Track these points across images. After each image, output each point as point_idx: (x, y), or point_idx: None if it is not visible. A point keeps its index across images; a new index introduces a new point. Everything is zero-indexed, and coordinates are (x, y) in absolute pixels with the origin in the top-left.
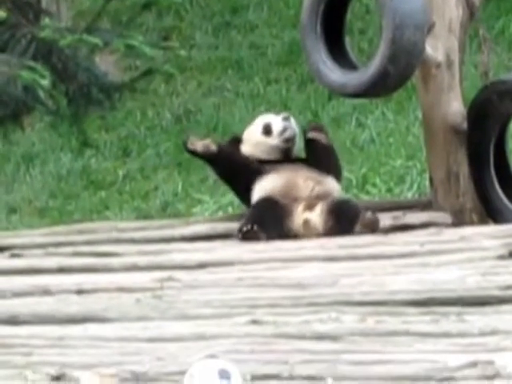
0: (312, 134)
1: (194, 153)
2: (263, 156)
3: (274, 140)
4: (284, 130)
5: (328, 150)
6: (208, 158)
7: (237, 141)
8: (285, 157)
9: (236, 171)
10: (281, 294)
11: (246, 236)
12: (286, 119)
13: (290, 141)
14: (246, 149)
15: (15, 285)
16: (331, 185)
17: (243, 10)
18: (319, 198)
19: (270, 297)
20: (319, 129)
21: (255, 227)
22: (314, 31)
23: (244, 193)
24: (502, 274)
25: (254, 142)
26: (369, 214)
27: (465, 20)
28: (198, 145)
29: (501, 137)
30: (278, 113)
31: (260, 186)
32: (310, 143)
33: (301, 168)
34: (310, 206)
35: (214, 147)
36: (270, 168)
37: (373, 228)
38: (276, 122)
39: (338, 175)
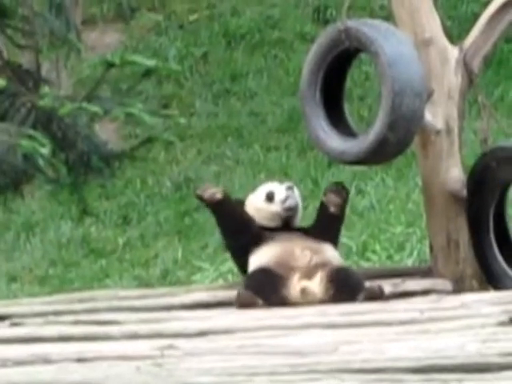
0: (326, 198)
1: (200, 199)
2: (263, 222)
3: (276, 207)
4: (286, 198)
5: (333, 219)
6: (212, 205)
7: (240, 204)
8: (284, 226)
9: (237, 225)
10: (281, 361)
11: (243, 302)
12: (289, 188)
13: (291, 210)
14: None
15: (16, 353)
16: (330, 253)
17: (243, 78)
18: (317, 267)
19: (270, 364)
20: (337, 192)
21: (251, 294)
22: (313, 98)
23: (240, 252)
24: (502, 340)
25: (255, 207)
26: (375, 286)
27: (464, 87)
28: (206, 191)
29: (500, 203)
30: (282, 182)
31: (257, 254)
32: (321, 206)
33: (299, 237)
34: (307, 275)
35: (219, 195)
36: (269, 235)
37: (377, 299)
38: (279, 190)
39: (336, 243)
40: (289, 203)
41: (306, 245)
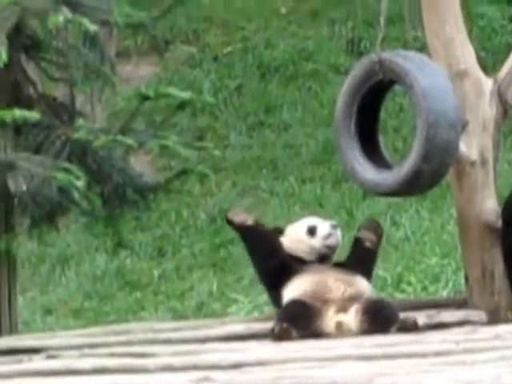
0: (361, 233)
1: (230, 222)
2: (300, 254)
3: (317, 242)
4: (329, 235)
5: (368, 254)
6: (242, 230)
7: (278, 231)
8: (321, 261)
9: (266, 251)
10: None
11: (279, 335)
12: (333, 227)
13: (331, 248)
14: (286, 243)
15: None
16: (362, 285)
17: (277, 110)
18: (352, 299)
19: None
20: (372, 228)
21: (286, 325)
22: (347, 130)
23: (271, 282)
24: None
25: (295, 238)
26: (409, 318)
27: (499, 118)
28: (237, 216)
29: None
30: (324, 218)
31: (289, 286)
32: (355, 241)
33: (330, 270)
34: (342, 309)
35: (250, 221)
36: (300, 267)
37: (410, 331)
38: (322, 226)
39: (368, 279)
40: (331, 241)
41: (339, 277)
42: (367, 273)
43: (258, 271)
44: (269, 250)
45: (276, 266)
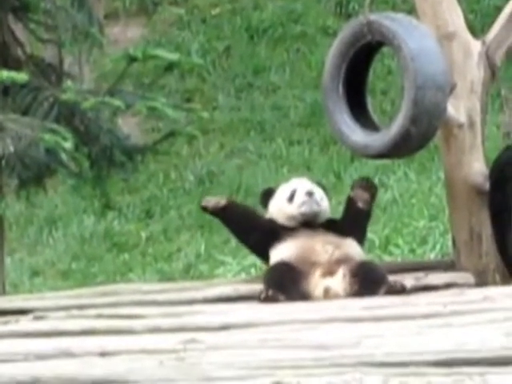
0: (354, 193)
1: (205, 209)
2: (283, 221)
3: (293, 210)
4: (303, 203)
5: (361, 214)
6: (217, 212)
7: (270, 193)
8: (305, 225)
9: (246, 225)
10: (304, 355)
11: (265, 302)
12: (308, 194)
13: (307, 216)
14: (273, 208)
15: (38, 347)
16: (352, 248)
17: (265, 72)
18: (339, 262)
19: (292, 358)
20: (365, 188)
21: (271, 293)
22: (336, 92)
23: (257, 249)
24: None
25: (278, 205)
26: (397, 282)
27: (486, 80)
28: (210, 202)
29: None
30: (312, 180)
31: (277, 249)
32: (348, 200)
33: (319, 233)
34: (329, 272)
35: (223, 202)
36: (289, 233)
37: (398, 294)
38: (300, 192)
39: (361, 240)
40: (304, 209)
41: (328, 240)
42: (360, 233)
43: (245, 246)
44: (249, 224)
45: (260, 238)
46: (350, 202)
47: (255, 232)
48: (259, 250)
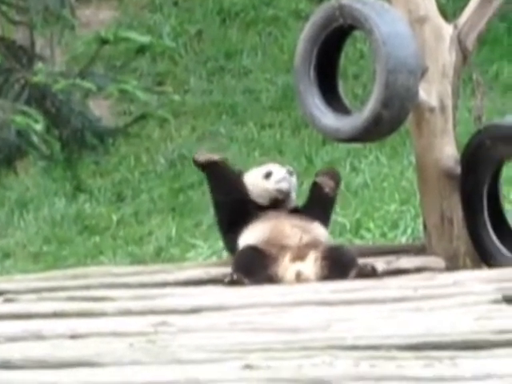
0: (319, 179)
1: (197, 162)
2: (255, 198)
3: (270, 185)
4: (282, 179)
5: (327, 200)
6: (208, 166)
7: (239, 174)
8: (274, 206)
9: (229, 188)
10: (274, 338)
11: (231, 282)
12: (288, 172)
13: (282, 192)
14: (247, 184)
15: (8, 329)
16: (319, 232)
17: (237, 55)
18: (308, 246)
19: (263, 341)
20: (330, 176)
21: (236, 277)
22: (307, 76)
23: (229, 224)
24: (495, 318)
25: (252, 181)
26: (367, 265)
27: (458, 65)
28: (203, 155)
29: (494, 181)
30: (283, 165)
31: (246, 232)
32: (313, 186)
33: (287, 216)
34: (299, 256)
35: (216, 157)
36: (257, 213)
37: (369, 277)
38: (278, 171)
39: (325, 224)
40: (282, 185)
41: (295, 223)
42: (325, 218)
43: (216, 207)
44: (230, 185)
45: (235, 202)
46: (316, 188)
47: (232, 195)
48: (227, 219)
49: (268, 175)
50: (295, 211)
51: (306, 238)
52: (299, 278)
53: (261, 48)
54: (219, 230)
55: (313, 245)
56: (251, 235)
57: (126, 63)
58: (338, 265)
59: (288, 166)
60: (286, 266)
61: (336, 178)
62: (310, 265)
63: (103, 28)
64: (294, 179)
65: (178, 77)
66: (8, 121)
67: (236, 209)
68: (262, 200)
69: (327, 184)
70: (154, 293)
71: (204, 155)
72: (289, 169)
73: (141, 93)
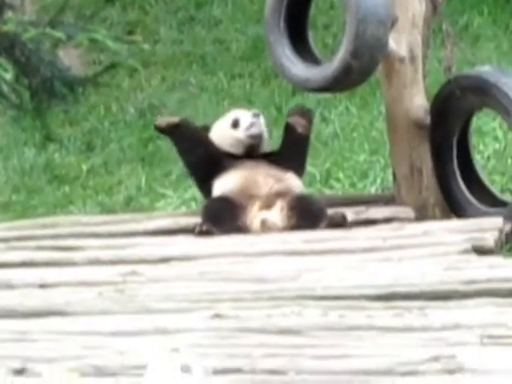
0: (292, 119)
1: (159, 128)
2: (228, 149)
3: (240, 134)
4: (251, 125)
5: (301, 140)
6: (170, 129)
7: (205, 129)
8: (249, 153)
9: (196, 146)
10: (243, 288)
11: (200, 233)
12: (255, 116)
13: (255, 137)
14: (215, 137)
15: None
16: (292, 181)
17: (207, 5)
18: (278, 195)
19: (232, 291)
20: (302, 114)
21: (205, 227)
22: (277, 26)
23: (202, 178)
24: (464, 268)
25: (220, 133)
26: (338, 214)
27: (428, 15)
28: (164, 120)
29: (464, 132)
30: (249, 110)
31: (220, 182)
32: (287, 127)
33: (262, 165)
34: (267, 205)
35: (176, 119)
36: (231, 163)
37: (339, 226)
38: (245, 117)
39: (300, 168)
40: (253, 130)
41: (270, 172)
42: (301, 161)
43: (188, 166)
44: (197, 142)
45: (204, 157)
46: (289, 129)
47: (201, 152)
48: (204, 180)
49: (235, 123)
50: (270, 156)
51: (276, 187)
52: (264, 225)
53: None
54: (197, 188)
55: (282, 194)
56: (224, 185)
57: (95, 12)
58: (306, 214)
59: (252, 109)
60: (254, 215)
61: (308, 115)
62: (276, 213)
63: None
64: (261, 120)
65: (148, 26)
66: None
67: (208, 165)
68: (235, 149)
69: (300, 123)
70: (123, 242)
71: (164, 120)
72: (254, 112)
73: (111, 42)
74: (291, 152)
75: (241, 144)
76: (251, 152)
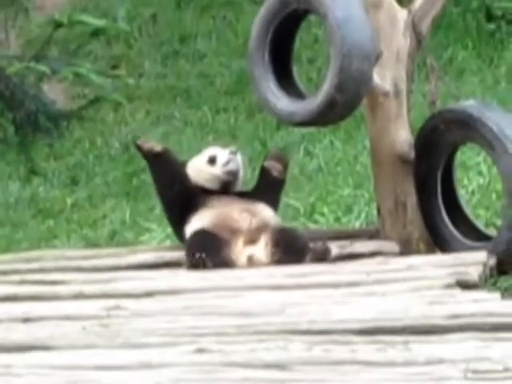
0: (268, 163)
1: (140, 149)
2: (203, 184)
3: (217, 170)
4: (228, 162)
5: (275, 183)
6: (150, 157)
7: (182, 165)
8: (224, 189)
9: (173, 180)
10: (227, 322)
11: (194, 265)
12: (232, 153)
13: (231, 174)
14: (190, 174)
15: None
16: (266, 213)
17: (191, 39)
18: (259, 230)
19: (216, 325)
20: (278, 159)
21: (199, 255)
22: (261, 60)
23: (176, 211)
24: (448, 303)
25: (197, 168)
26: (320, 245)
27: (413, 49)
28: (146, 143)
29: (448, 166)
30: (226, 146)
31: (195, 218)
32: (262, 171)
33: (235, 200)
34: (251, 240)
35: (158, 148)
36: (206, 198)
37: (324, 259)
38: (222, 154)
39: (274, 207)
40: (230, 167)
41: (243, 207)
42: (274, 201)
43: (162, 200)
44: (174, 177)
45: (181, 194)
46: (264, 172)
47: (177, 188)
48: (174, 210)
49: (212, 160)
50: (243, 194)
51: (255, 222)
52: (251, 261)
53: (215, 32)
54: (168, 220)
55: (263, 228)
56: (200, 221)
57: (80, 46)
58: (290, 248)
59: (231, 147)
60: (240, 250)
61: (284, 160)
62: (262, 248)
63: (58, 11)
64: (238, 157)
65: (132, 60)
66: None
67: (182, 199)
68: (211, 185)
69: (275, 167)
70: (107, 276)
71: (147, 144)
72: (231, 149)
73: (95, 76)
74: (265, 192)
75: (217, 180)
76: (226, 188)
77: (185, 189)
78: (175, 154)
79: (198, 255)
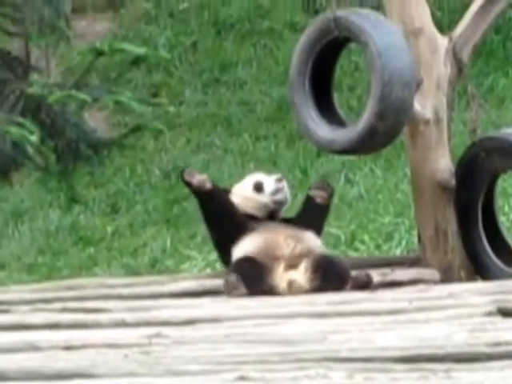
0: (312, 192)
1: (188, 184)
2: (249, 211)
3: (265, 198)
4: (277, 191)
5: (319, 209)
6: (200, 194)
7: (226, 193)
8: (270, 217)
9: (223, 216)
10: (269, 350)
11: (228, 288)
12: (279, 181)
13: (280, 203)
14: (235, 201)
15: (3, 341)
16: (312, 241)
17: (232, 67)
18: (301, 256)
19: (257, 353)
20: (323, 187)
21: (235, 278)
22: (302, 88)
23: (224, 242)
24: (489, 330)
25: (243, 196)
26: (362, 274)
27: (453, 77)
28: (195, 177)
29: (489, 193)
30: (269, 173)
31: (240, 244)
32: (306, 199)
33: (281, 227)
34: (292, 265)
35: (209, 184)
36: (252, 225)
37: (366, 287)
38: (268, 181)
39: (319, 233)
40: (279, 197)
41: (289, 233)
42: (317, 229)
43: (213, 235)
44: (226, 214)
45: (230, 227)
46: (308, 200)
47: (229, 225)
48: (225, 244)
49: (258, 188)
50: (288, 221)
51: (299, 248)
52: (291, 286)
53: (256, 60)
54: (215, 248)
55: (305, 254)
56: (246, 247)
57: (121, 74)
58: (330, 276)
59: (273, 174)
60: (280, 276)
61: (328, 189)
62: (302, 273)
63: (99, 39)
64: (285, 185)
65: (172, 88)
66: (3, 132)
67: (230, 228)
68: (258, 212)
69: (320, 196)
70: (148, 304)
71: (195, 178)
72: (277, 176)
73: (136, 104)
74: (309, 218)
75: (265, 208)
76: (272, 215)
77: (234, 220)
78: (216, 182)
79: (232, 278)
